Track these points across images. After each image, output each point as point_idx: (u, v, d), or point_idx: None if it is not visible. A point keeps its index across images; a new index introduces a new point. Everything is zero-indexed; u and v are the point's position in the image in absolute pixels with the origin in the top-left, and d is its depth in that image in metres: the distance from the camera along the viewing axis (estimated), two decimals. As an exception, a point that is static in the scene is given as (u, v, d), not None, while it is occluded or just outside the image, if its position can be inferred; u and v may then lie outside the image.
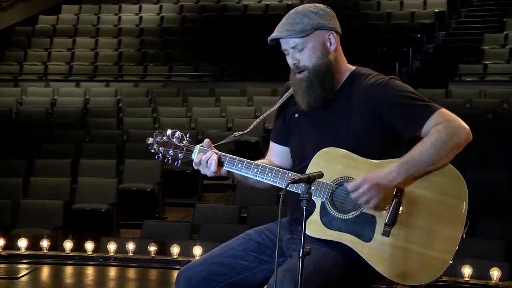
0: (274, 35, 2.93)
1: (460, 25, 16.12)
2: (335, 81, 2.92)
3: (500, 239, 6.43)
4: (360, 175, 2.79)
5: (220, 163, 2.94)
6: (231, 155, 2.96)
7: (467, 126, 2.83)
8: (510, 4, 15.45)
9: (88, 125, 11.72)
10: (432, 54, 15.30)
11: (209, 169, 2.92)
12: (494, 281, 5.67)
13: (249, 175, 2.94)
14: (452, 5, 16.27)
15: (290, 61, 2.93)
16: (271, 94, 12.77)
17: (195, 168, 2.97)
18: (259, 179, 2.93)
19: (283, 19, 2.94)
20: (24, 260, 6.47)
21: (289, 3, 16.47)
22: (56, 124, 11.70)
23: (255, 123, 3.10)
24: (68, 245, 6.60)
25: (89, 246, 6.58)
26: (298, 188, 2.84)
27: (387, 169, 2.78)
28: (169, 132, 3.02)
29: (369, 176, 2.76)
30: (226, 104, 12.48)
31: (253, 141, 10.22)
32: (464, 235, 2.83)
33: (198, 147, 2.98)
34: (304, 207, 2.59)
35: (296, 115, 3.02)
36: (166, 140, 3.01)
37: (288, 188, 2.75)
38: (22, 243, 6.62)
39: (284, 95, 3.05)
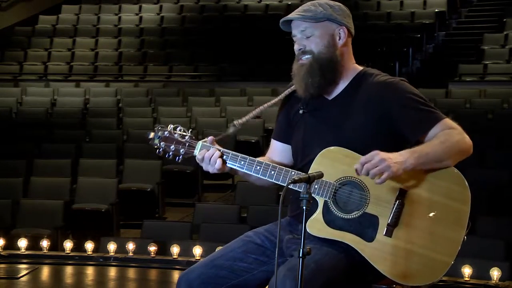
0: (286, 17, 2.96)
1: (460, 25, 16.12)
2: (337, 75, 2.93)
3: (500, 239, 6.43)
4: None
5: (222, 160, 2.93)
6: (234, 152, 2.95)
7: (470, 140, 2.87)
8: (510, 4, 15.46)
9: (88, 125, 11.72)
10: (432, 54, 15.31)
11: (213, 166, 2.91)
12: (494, 281, 5.67)
13: (252, 173, 2.93)
14: (452, 5, 16.27)
15: (296, 46, 2.95)
16: (271, 94, 12.74)
17: (198, 164, 2.96)
18: (261, 176, 2.92)
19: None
20: (24, 260, 6.46)
21: (289, 3, 16.48)
22: (56, 124, 11.69)
23: (255, 112, 3.04)
24: (68, 245, 6.60)
25: (89, 246, 6.57)
26: (300, 186, 2.84)
27: (398, 153, 2.77)
28: (171, 127, 3.00)
29: (382, 152, 2.74)
30: (226, 104, 12.48)
31: (253, 141, 10.22)
32: (465, 237, 2.84)
33: (200, 143, 2.96)
34: (304, 207, 2.59)
35: (301, 111, 3.01)
36: (167, 135, 2.99)
37: (290, 186, 2.76)
38: (22, 243, 6.61)
39: (287, 90, 3.05)
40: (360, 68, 3.00)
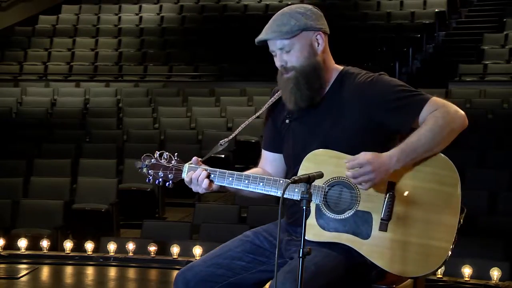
0: (261, 37, 2.93)
1: (460, 25, 16.12)
2: (322, 81, 2.92)
3: (500, 239, 6.43)
4: (362, 154, 2.75)
5: (210, 179, 2.93)
6: (220, 170, 2.95)
7: (462, 112, 2.83)
8: (510, 4, 15.46)
9: (88, 125, 11.72)
10: (432, 54, 15.31)
11: (201, 186, 2.92)
12: (494, 281, 5.67)
13: (241, 187, 2.94)
14: (452, 5, 16.27)
15: (277, 63, 2.94)
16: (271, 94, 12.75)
17: (188, 186, 2.97)
18: (251, 189, 2.94)
19: (270, 21, 2.93)
20: (24, 260, 6.47)
21: (289, 3, 16.48)
22: (56, 124, 11.69)
23: (240, 128, 3.07)
24: (68, 245, 6.60)
25: (89, 246, 6.58)
26: (292, 195, 2.86)
27: (388, 154, 2.76)
28: (157, 154, 3.02)
29: (372, 159, 2.73)
30: (226, 104, 12.49)
31: (253, 141, 10.22)
32: (462, 220, 2.83)
33: (187, 165, 2.97)
34: (304, 207, 2.57)
35: (287, 121, 3.02)
36: (154, 162, 3.02)
37: (287, 192, 2.75)
38: (22, 243, 6.62)
39: (271, 99, 3.05)
40: (340, 68, 2.99)
